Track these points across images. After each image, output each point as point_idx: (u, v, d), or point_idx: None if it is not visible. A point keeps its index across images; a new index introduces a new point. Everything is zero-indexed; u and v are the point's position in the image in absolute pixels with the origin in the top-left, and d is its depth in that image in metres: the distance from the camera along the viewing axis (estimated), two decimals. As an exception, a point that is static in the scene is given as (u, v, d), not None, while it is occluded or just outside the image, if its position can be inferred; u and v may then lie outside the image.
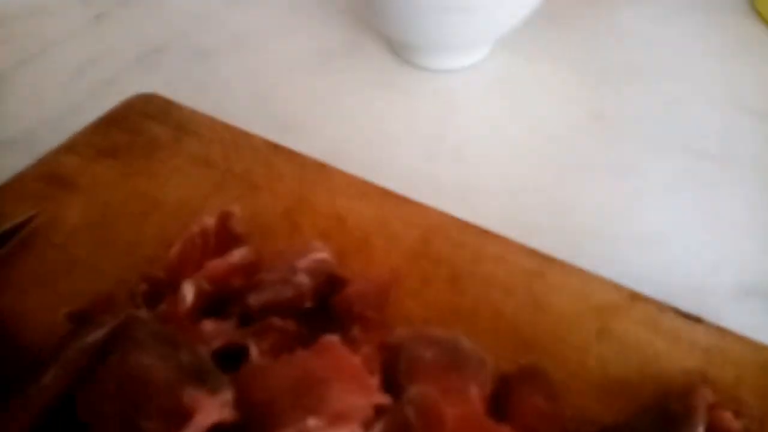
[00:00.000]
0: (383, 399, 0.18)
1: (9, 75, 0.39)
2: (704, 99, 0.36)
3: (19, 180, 0.30)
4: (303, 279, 0.22)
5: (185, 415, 0.16)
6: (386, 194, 0.29)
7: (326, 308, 0.23)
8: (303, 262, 0.23)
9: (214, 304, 0.22)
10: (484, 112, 0.36)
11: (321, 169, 0.30)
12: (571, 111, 0.36)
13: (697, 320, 0.24)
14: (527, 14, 0.36)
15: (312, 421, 0.17)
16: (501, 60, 0.39)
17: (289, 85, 0.38)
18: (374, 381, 0.19)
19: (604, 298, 0.25)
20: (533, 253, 0.26)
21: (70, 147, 0.31)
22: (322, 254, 0.23)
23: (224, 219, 0.26)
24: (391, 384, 0.19)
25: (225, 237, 0.26)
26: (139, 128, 0.32)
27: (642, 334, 0.24)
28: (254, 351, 0.20)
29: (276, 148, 0.31)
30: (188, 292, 0.21)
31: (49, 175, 0.30)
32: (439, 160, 0.33)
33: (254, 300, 0.22)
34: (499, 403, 0.21)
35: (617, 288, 0.25)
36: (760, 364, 0.23)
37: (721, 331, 0.24)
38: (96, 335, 0.20)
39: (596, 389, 0.23)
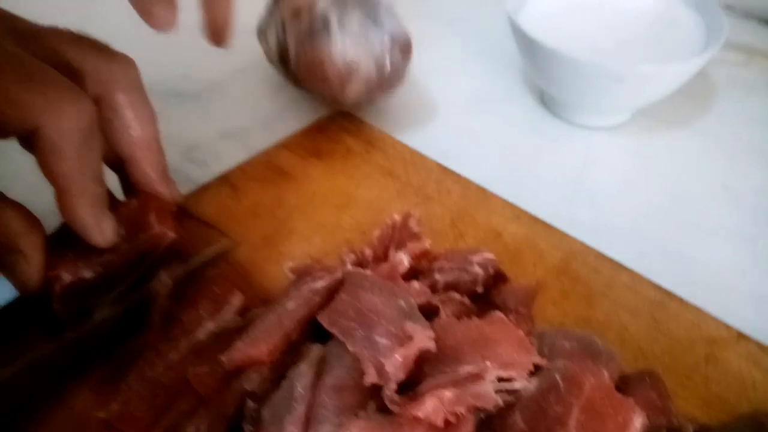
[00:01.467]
0: (540, 360, 0.24)
1: (228, 82, 0.48)
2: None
3: (250, 164, 0.38)
4: (477, 270, 0.29)
5: (407, 338, 0.23)
6: (535, 220, 0.35)
7: (489, 296, 0.30)
8: (477, 258, 0.29)
9: (408, 277, 0.29)
10: (619, 167, 0.42)
11: (481, 192, 0.37)
12: (699, 178, 0.41)
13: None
14: (671, 91, 0.41)
15: (488, 363, 0.23)
16: (641, 124, 0.45)
17: (453, 118, 0.45)
18: (533, 347, 0.25)
19: (714, 333, 0.30)
20: (658, 287, 0.32)
21: (285, 145, 0.40)
22: (490, 255, 0.30)
23: (406, 218, 0.33)
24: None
25: (406, 232, 0.33)
26: (337, 138, 0.40)
27: (743, 365, 0.29)
28: (443, 312, 0.26)
29: (445, 170, 0.38)
30: (404, 258, 0.28)
31: (271, 165, 0.38)
32: (576, 202, 0.39)
33: (441, 278, 0.28)
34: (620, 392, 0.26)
35: (726, 327, 0.30)
36: None
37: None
38: (319, 283, 0.28)
39: (699, 400, 0.28)
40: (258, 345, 0.24)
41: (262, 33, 0.41)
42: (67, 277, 0.26)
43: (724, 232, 0.37)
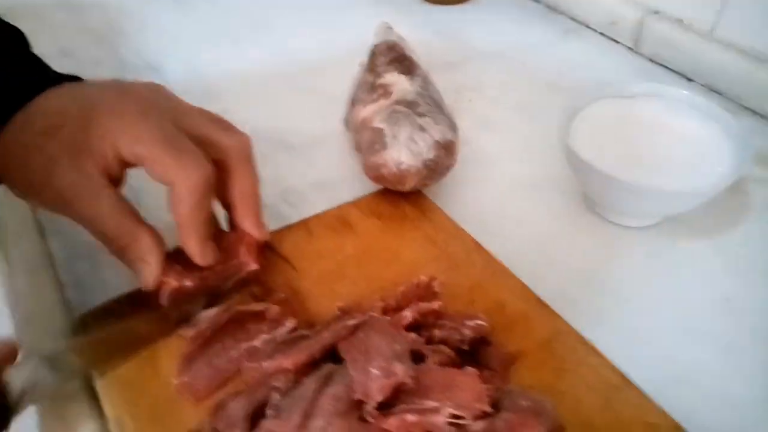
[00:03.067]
0: (488, 409, 0.33)
1: (327, 140, 0.60)
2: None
3: (326, 215, 0.49)
4: (467, 332, 0.38)
5: (392, 373, 0.32)
6: (537, 300, 0.43)
7: (476, 354, 0.38)
8: (470, 322, 0.38)
9: (413, 326, 0.38)
10: (637, 265, 0.48)
11: (501, 268, 0.45)
12: (705, 287, 0.47)
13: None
14: (694, 207, 0.48)
15: (447, 402, 0.32)
16: (666, 227, 0.51)
17: (499, 199, 0.54)
18: (489, 399, 0.33)
19: (654, 420, 0.37)
20: (620, 374, 0.39)
21: (355, 204, 0.50)
22: (482, 322, 0.39)
23: (431, 281, 0.42)
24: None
25: (428, 291, 0.42)
26: (397, 204, 0.50)
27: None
28: (430, 359, 0.35)
29: (476, 245, 0.47)
30: (408, 314, 0.37)
31: (342, 218, 0.49)
32: (583, 286, 0.46)
33: (438, 334, 0.38)
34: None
35: (668, 417, 0.37)
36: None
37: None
38: (351, 322, 0.38)
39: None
40: (289, 358, 0.35)
41: (346, 122, 0.52)
42: (172, 282, 0.38)
43: (723, 342, 0.43)
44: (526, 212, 0.53)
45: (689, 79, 0.70)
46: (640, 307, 0.45)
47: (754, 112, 0.65)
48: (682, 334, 0.44)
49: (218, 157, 0.40)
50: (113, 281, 0.44)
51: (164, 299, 0.39)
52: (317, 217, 0.49)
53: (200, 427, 0.35)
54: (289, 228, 0.48)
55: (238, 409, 0.34)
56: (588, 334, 0.41)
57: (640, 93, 0.54)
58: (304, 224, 0.48)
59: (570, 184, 0.55)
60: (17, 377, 0.33)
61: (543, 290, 0.44)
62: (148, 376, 0.38)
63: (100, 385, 0.38)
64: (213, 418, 0.35)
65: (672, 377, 0.41)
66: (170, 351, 0.39)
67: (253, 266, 0.42)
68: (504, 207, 0.53)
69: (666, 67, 0.72)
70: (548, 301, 0.43)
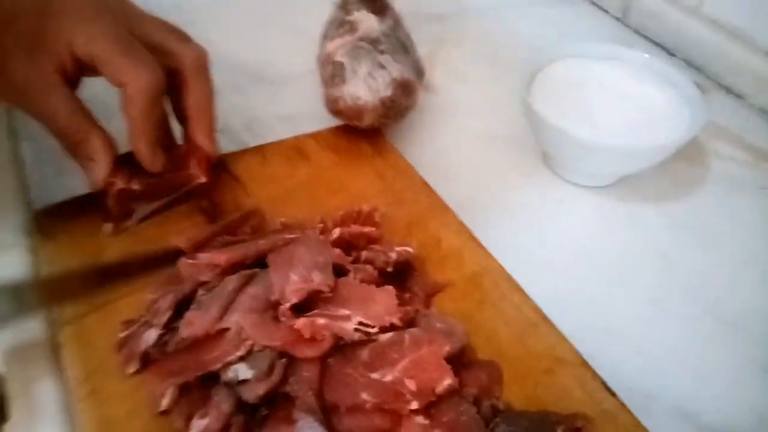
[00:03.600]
0: (397, 322, 0.35)
1: (299, 78, 0.61)
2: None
3: (283, 143, 0.51)
4: (393, 255, 0.40)
5: (309, 280, 0.34)
6: (472, 237, 0.45)
7: (401, 279, 0.40)
8: (399, 248, 0.40)
9: (345, 244, 0.40)
10: (584, 220, 0.50)
11: (443, 208, 0.47)
12: (646, 246, 0.48)
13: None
14: (646, 167, 0.49)
15: (358, 312, 0.34)
16: (618, 189, 0.53)
17: (455, 148, 0.55)
18: (398, 313, 0.35)
19: (563, 354, 0.39)
20: (539, 312, 0.41)
21: (313, 136, 0.52)
22: (410, 249, 0.41)
23: (372, 210, 0.44)
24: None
25: (368, 219, 0.44)
26: (355, 141, 0.52)
27: (572, 383, 0.37)
28: (352, 275, 0.37)
29: (424, 184, 0.49)
30: (336, 231, 0.39)
31: (298, 148, 0.51)
32: (528, 237, 0.48)
33: (365, 254, 0.39)
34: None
35: (576, 353, 0.39)
36: None
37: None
38: (286, 235, 0.40)
39: (523, 396, 0.36)
40: (222, 256, 0.37)
41: (318, 60, 0.54)
42: (119, 184, 0.40)
43: (643, 292, 0.45)
44: (482, 162, 0.55)
45: (671, 54, 0.71)
46: (577, 259, 0.47)
47: (729, 90, 0.66)
48: (614, 285, 0.46)
49: (174, 66, 0.41)
50: (75, 186, 0.46)
51: (111, 200, 0.41)
52: (274, 144, 0.51)
53: (134, 319, 0.37)
54: (245, 151, 0.50)
55: (166, 301, 0.36)
56: (519, 277, 0.43)
57: (604, 54, 0.55)
58: (259, 149, 0.50)
59: (531, 141, 0.56)
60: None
61: (487, 236, 0.46)
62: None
63: (44, 274, 0.40)
64: (146, 310, 0.37)
65: (600, 326, 0.42)
66: (115, 247, 0.41)
67: (202, 179, 0.43)
68: (462, 155, 0.55)
69: (650, 40, 0.73)
70: (489, 244, 0.45)
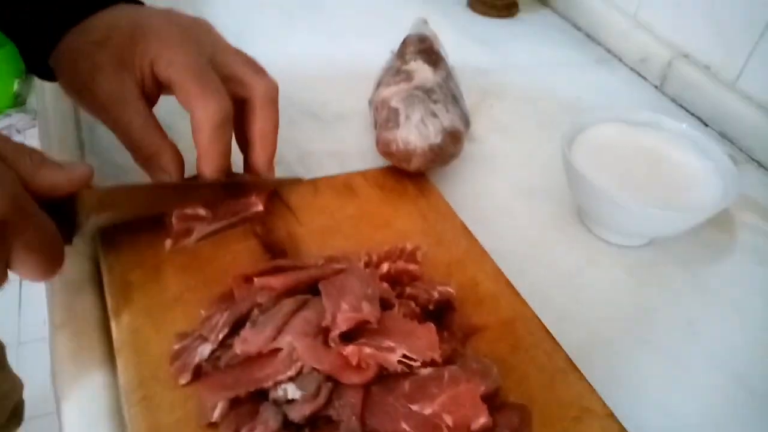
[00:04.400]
0: (438, 359, 0.37)
1: (351, 118, 0.64)
2: None
3: (334, 179, 0.54)
4: (435, 295, 0.42)
5: (359, 309, 0.36)
6: (509, 285, 0.47)
7: (440, 318, 0.42)
8: (440, 288, 0.42)
9: (391, 280, 0.42)
10: (613, 278, 0.52)
11: (483, 253, 0.49)
12: (671, 309, 0.50)
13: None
14: (675, 231, 0.51)
15: (402, 345, 0.36)
16: (649, 251, 0.54)
17: (498, 196, 0.57)
18: (440, 351, 0.37)
19: (591, 405, 0.40)
20: (569, 360, 0.42)
21: (363, 174, 0.55)
22: (451, 290, 0.43)
23: (415, 249, 0.46)
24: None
25: (411, 257, 0.46)
26: (401, 181, 0.54)
27: (598, 433, 0.39)
28: (397, 309, 0.39)
29: (464, 228, 0.51)
30: (385, 266, 0.41)
31: (347, 184, 0.53)
32: (559, 288, 0.50)
33: (409, 290, 0.42)
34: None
35: (604, 405, 0.40)
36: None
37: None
38: (336, 266, 0.42)
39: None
40: (278, 279, 0.39)
41: (370, 102, 0.57)
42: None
43: (666, 354, 0.47)
44: (520, 213, 0.57)
45: (705, 124, 0.73)
46: (604, 314, 0.49)
47: (760, 164, 0.68)
48: (642, 343, 0.47)
49: (245, 95, 0.44)
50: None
51: (174, 219, 0.44)
52: (326, 178, 0.54)
53: (188, 332, 0.40)
54: (300, 184, 0.53)
55: (223, 317, 0.38)
56: (550, 326, 0.45)
57: (644, 121, 0.57)
58: (312, 183, 0.53)
59: (567, 197, 0.58)
60: (90, 198, 0.37)
61: (520, 283, 0.48)
62: (150, 279, 0.43)
63: (106, 282, 0.43)
64: (200, 325, 0.40)
65: (625, 382, 0.44)
66: (173, 262, 0.44)
67: (260, 208, 0.46)
68: (500, 204, 0.57)
69: (686, 110, 0.75)
70: (521, 291, 0.47)
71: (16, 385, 0.91)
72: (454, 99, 0.54)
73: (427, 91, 0.52)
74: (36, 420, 0.97)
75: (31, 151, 0.34)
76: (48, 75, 0.45)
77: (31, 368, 0.91)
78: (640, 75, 0.81)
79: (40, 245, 0.33)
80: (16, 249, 0.32)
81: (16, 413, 0.90)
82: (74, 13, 0.43)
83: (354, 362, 0.35)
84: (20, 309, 1.49)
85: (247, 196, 0.47)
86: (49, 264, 0.34)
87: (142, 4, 0.48)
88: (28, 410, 0.94)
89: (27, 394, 0.94)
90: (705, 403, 0.44)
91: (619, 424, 0.39)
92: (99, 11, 0.44)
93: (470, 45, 0.82)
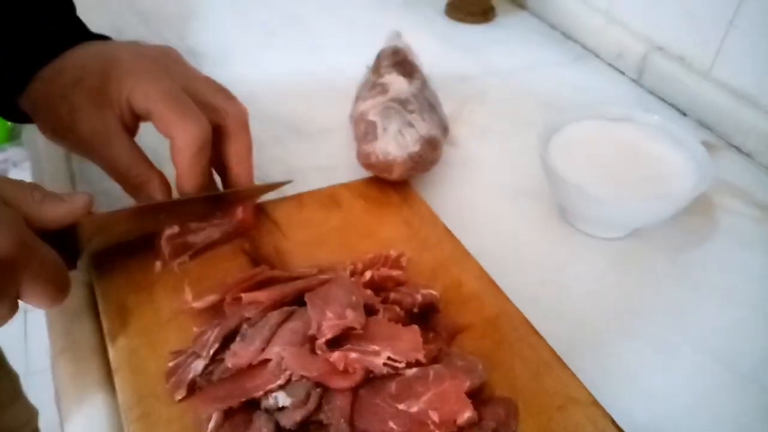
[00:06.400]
0: (422, 359, 0.38)
1: (335, 131, 0.66)
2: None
3: (318, 192, 0.55)
4: (419, 298, 0.43)
5: (343, 317, 0.38)
6: (491, 283, 0.48)
7: (425, 319, 0.43)
8: (424, 291, 0.44)
9: (375, 286, 0.44)
10: (595, 270, 0.53)
11: (466, 255, 0.51)
12: (655, 297, 0.51)
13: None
14: (654, 221, 0.52)
15: (387, 347, 0.38)
16: (631, 241, 0.56)
17: (479, 199, 0.59)
18: (423, 351, 0.38)
19: (575, 394, 0.41)
20: (553, 352, 0.44)
21: (347, 186, 0.56)
22: (435, 293, 0.44)
23: (400, 255, 0.48)
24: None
25: (395, 263, 0.47)
26: (384, 191, 0.56)
27: (583, 421, 0.40)
28: (381, 314, 0.41)
29: (447, 232, 0.52)
30: (368, 274, 0.43)
31: (332, 196, 0.55)
32: (540, 282, 0.51)
33: (393, 295, 0.43)
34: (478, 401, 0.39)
35: (588, 393, 0.41)
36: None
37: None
38: (322, 277, 0.43)
39: (537, 430, 0.40)
40: (264, 295, 0.41)
41: (350, 117, 0.58)
42: (175, 227, 0.44)
43: (651, 341, 0.48)
44: (503, 213, 0.58)
45: (684, 114, 0.75)
46: (590, 306, 0.50)
47: (738, 149, 0.69)
48: (626, 333, 0.48)
49: (218, 121, 0.46)
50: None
51: (163, 242, 0.45)
52: (310, 192, 0.55)
53: (182, 349, 0.41)
54: (284, 198, 0.54)
55: (213, 333, 0.40)
56: (535, 321, 0.46)
57: (619, 116, 0.59)
58: (297, 197, 0.55)
59: (548, 194, 0.59)
60: (90, 224, 0.39)
61: (506, 282, 0.49)
62: (143, 301, 0.44)
63: (101, 306, 0.44)
64: (193, 342, 0.41)
65: (611, 371, 0.45)
66: (165, 284, 0.45)
67: (249, 223, 0.48)
68: (482, 206, 0.59)
69: (664, 101, 0.77)
70: (506, 289, 0.48)
71: (32, 414, 0.93)
72: (430, 107, 0.56)
73: (403, 102, 0.53)
74: (49, 448, 0.99)
75: (33, 189, 0.37)
76: (17, 116, 0.47)
77: (40, 397, 0.92)
78: (617, 70, 0.82)
79: (47, 276, 0.35)
80: (24, 282, 0.35)
81: (34, 442, 0.92)
82: (42, 55, 0.45)
83: (341, 367, 0.37)
84: (26, 341, 1.51)
85: (234, 208, 0.48)
86: (57, 291, 0.37)
87: (108, 38, 0.50)
88: (41, 438, 0.96)
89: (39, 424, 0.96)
90: (692, 387, 0.45)
91: (603, 409, 0.41)
92: (67, 51, 0.45)
93: (450, 52, 0.84)
